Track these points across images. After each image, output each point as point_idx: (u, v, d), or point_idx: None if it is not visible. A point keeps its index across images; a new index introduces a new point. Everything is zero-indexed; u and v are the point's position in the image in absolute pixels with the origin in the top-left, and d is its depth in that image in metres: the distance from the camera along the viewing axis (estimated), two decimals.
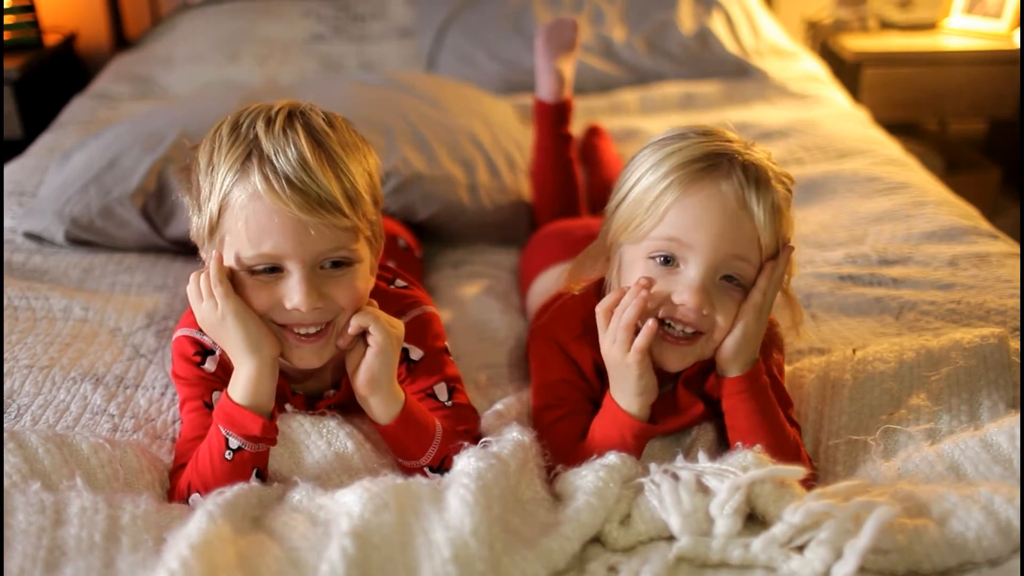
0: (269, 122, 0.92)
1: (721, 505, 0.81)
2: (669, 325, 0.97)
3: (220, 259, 0.93)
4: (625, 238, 0.99)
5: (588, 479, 0.86)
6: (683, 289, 0.94)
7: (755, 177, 0.94)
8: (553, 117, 1.66)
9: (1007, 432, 0.92)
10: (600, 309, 0.98)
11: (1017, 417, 0.94)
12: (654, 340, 0.95)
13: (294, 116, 0.93)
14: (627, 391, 0.97)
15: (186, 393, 1.03)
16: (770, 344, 1.05)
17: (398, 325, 0.98)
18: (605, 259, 1.06)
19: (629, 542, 0.83)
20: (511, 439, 0.92)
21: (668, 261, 0.95)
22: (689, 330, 0.96)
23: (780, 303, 1.03)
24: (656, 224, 0.95)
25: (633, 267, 0.99)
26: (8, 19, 2.63)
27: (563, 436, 1.03)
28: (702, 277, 0.93)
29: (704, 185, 0.93)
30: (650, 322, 0.92)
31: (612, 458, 0.89)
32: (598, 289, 1.09)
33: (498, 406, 1.10)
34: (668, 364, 0.98)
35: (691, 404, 1.05)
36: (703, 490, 0.84)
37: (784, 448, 0.96)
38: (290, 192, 0.88)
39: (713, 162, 0.94)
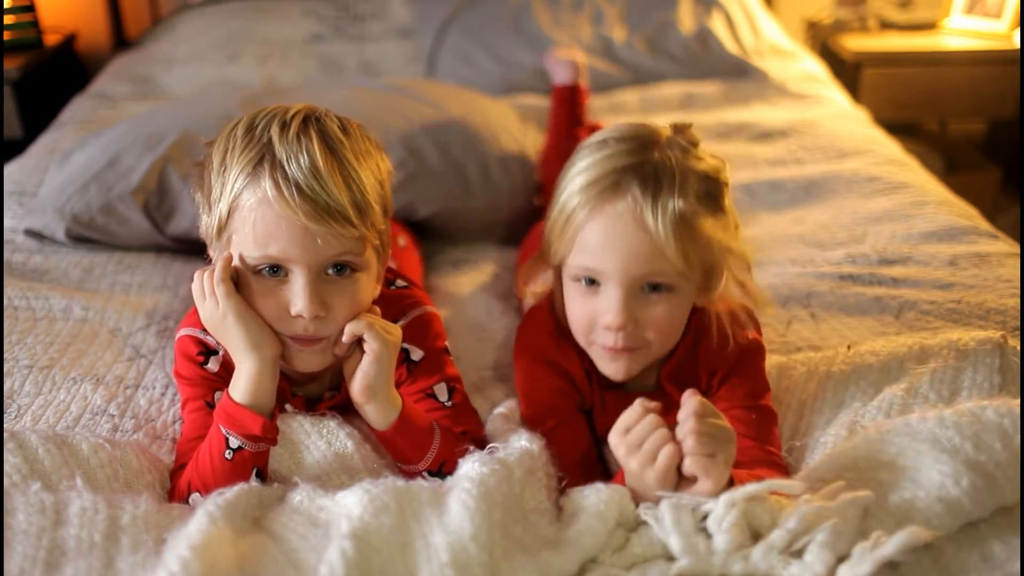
0: (284, 126, 0.92)
1: (719, 520, 0.80)
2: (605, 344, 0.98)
3: (229, 259, 0.93)
4: (553, 260, 1.02)
5: (591, 500, 0.85)
6: (605, 310, 0.95)
7: (652, 191, 0.91)
8: (569, 98, 1.72)
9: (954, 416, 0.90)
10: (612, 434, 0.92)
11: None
12: (596, 354, 0.99)
13: (309, 122, 0.93)
14: (643, 489, 0.90)
15: (188, 393, 1.03)
16: (748, 322, 1.06)
17: (395, 331, 0.97)
18: (548, 269, 1.06)
19: (624, 564, 0.83)
20: (518, 447, 0.92)
21: (591, 282, 0.97)
22: (622, 345, 0.97)
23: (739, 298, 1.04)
24: (569, 249, 0.97)
25: (567, 288, 1.01)
26: (8, 19, 2.63)
27: (559, 445, 1.01)
28: (620, 298, 0.94)
29: (605, 207, 0.93)
30: (668, 448, 0.84)
31: (617, 486, 0.88)
32: (551, 301, 1.09)
33: (501, 408, 1.10)
34: (611, 375, 1.00)
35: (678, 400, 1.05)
36: (699, 513, 0.83)
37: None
38: (299, 200, 0.88)
39: (614, 180, 0.93)
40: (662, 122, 1.00)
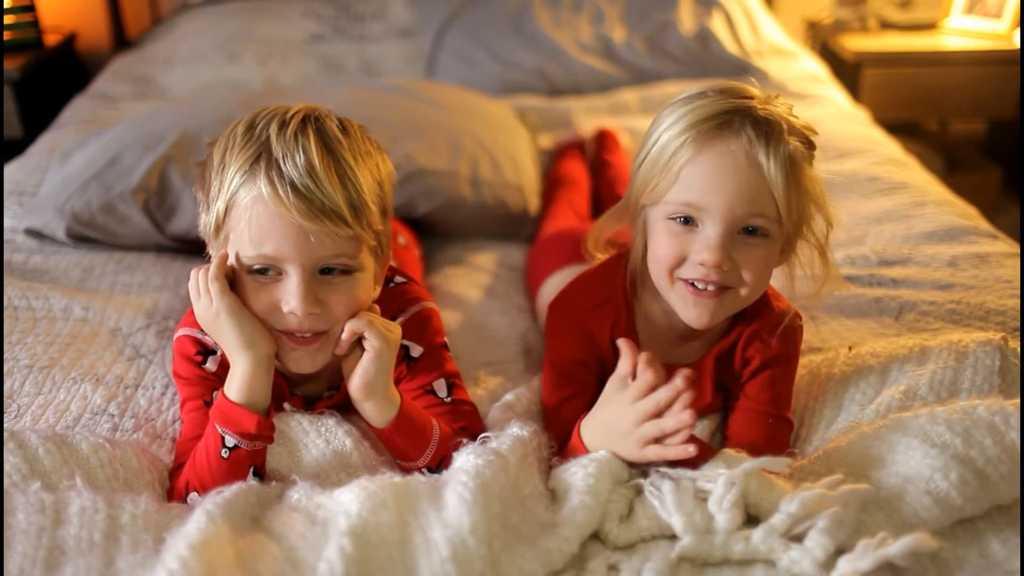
0: (283, 125, 0.92)
1: (719, 500, 0.82)
2: (693, 284, 0.97)
3: (224, 257, 0.93)
4: (646, 199, 1.00)
5: (578, 476, 0.86)
6: (701, 248, 0.94)
7: (765, 132, 0.93)
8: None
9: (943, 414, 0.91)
10: (615, 379, 0.94)
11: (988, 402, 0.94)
12: (678, 296, 0.97)
13: (308, 121, 0.93)
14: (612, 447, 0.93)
15: (187, 393, 1.03)
16: (795, 335, 1.06)
17: (395, 329, 0.97)
18: (630, 218, 1.05)
19: (630, 539, 0.84)
20: (510, 434, 0.92)
21: (687, 221, 0.96)
22: (712, 287, 0.96)
23: (811, 256, 1.04)
24: (671, 185, 0.96)
25: (655, 229, 0.99)
26: (8, 19, 2.63)
27: (570, 417, 1.03)
28: (720, 235, 0.93)
29: (715, 144, 0.93)
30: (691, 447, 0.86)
31: (601, 453, 0.89)
32: (619, 261, 1.09)
33: (508, 397, 1.10)
34: (692, 320, 0.98)
35: (710, 385, 1.06)
36: (700, 492, 0.84)
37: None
38: (294, 198, 0.88)
39: (725, 119, 0.94)
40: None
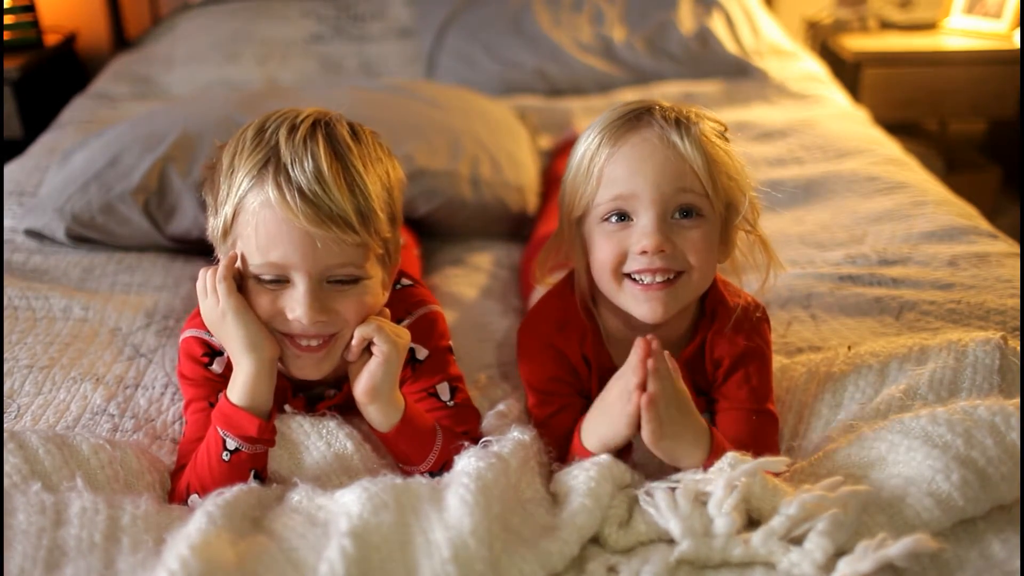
0: (292, 130, 0.92)
1: (719, 503, 0.82)
2: (639, 280, 0.97)
3: (233, 258, 0.93)
4: (577, 212, 1.02)
5: (580, 479, 0.86)
6: (640, 237, 0.96)
7: (674, 119, 0.98)
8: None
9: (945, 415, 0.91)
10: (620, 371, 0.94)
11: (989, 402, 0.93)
12: (627, 296, 0.98)
13: (318, 126, 0.93)
14: (603, 437, 0.93)
15: (191, 394, 1.02)
16: (760, 326, 1.06)
17: (404, 334, 0.97)
18: (567, 243, 1.07)
19: (629, 543, 0.84)
20: (512, 438, 0.92)
21: (622, 218, 0.98)
22: (660, 277, 0.96)
23: (751, 247, 1.05)
24: (597, 188, 0.98)
25: (592, 238, 1.01)
26: (8, 19, 2.63)
27: (561, 430, 1.04)
28: (654, 219, 0.95)
29: (629, 136, 0.97)
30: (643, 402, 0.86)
31: (603, 457, 0.89)
32: (569, 282, 1.10)
33: (500, 407, 1.10)
34: (647, 315, 0.98)
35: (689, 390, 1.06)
36: (700, 495, 0.84)
37: None
38: (301, 204, 0.88)
39: (634, 115, 0.99)
40: None
